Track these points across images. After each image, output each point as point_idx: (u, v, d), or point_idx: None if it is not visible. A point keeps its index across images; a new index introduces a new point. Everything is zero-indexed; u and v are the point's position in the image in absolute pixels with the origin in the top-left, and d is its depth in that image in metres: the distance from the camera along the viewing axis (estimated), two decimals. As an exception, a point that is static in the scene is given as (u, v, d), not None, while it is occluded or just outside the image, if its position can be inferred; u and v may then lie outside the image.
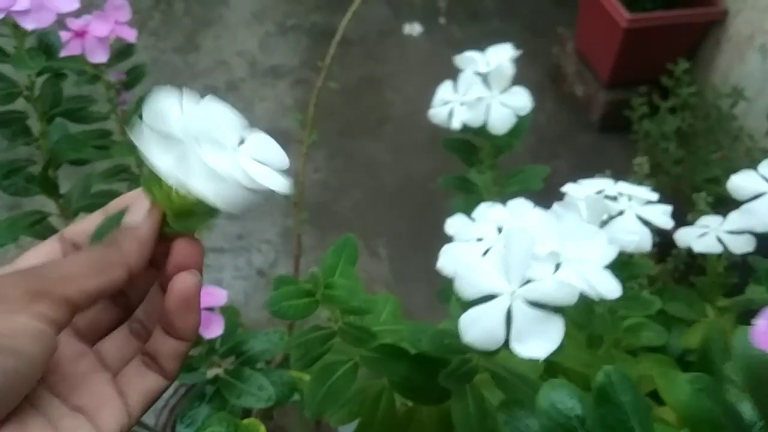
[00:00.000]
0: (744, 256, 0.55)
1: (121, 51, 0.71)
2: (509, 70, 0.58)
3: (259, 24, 2.18)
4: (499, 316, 0.32)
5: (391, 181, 1.72)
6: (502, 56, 0.59)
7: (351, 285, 0.43)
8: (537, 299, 0.32)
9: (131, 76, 0.73)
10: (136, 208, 0.29)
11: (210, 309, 0.53)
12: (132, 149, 0.72)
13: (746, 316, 0.61)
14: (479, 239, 0.39)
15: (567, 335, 0.57)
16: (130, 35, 0.69)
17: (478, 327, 0.33)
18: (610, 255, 0.37)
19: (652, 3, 1.59)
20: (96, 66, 0.69)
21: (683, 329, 0.70)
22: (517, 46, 0.63)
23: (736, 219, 0.51)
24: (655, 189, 0.51)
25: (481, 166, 0.66)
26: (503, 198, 0.67)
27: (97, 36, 0.65)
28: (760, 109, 1.44)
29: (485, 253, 0.36)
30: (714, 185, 1.16)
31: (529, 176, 0.66)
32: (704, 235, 0.54)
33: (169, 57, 2.03)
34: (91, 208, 0.70)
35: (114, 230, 0.28)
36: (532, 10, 2.20)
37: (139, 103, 0.74)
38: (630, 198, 0.46)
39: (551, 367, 0.60)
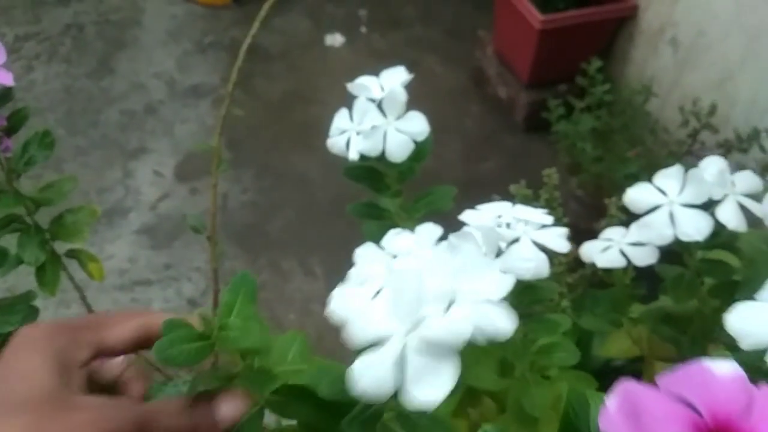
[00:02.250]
0: (651, 266, 0.55)
1: (0, 96, 0.66)
2: (402, 95, 0.56)
3: (175, 43, 2.12)
4: (389, 363, 0.30)
5: (322, 197, 1.70)
6: (394, 81, 0.58)
7: (247, 325, 0.41)
8: (428, 342, 0.30)
9: (13, 122, 0.68)
10: (235, 407, 0.34)
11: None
12: (20, 200, 0.68)
13: (662, 325, 0.61)
14: (367, 281, 0.37)
15: (481, 360, 0.56)
16: (7, 79, 0.65)
17: (369, 375, 0.31)
18: (506, 287, 0.35)
19: (564, 2, 1.62)
20: (-30, 114, 0.64)
21: (604, 338, 0.70)
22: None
23: (636, 232, 0.51)
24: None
25: (390, 192, 0.64)
26: (414, 221, 0.65)
27: (-35, 83, 0.61)
28: (675, 102, 1.48)
29: (375, 295, 0.35)
30: (633, 181, 1.17)
31: (438, 198, 0.65)
32: (607, 249, 0.54)
33: (82, 83, 1.95)
34: (-22, 267, 0.65)
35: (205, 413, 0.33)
36: (453, 15, 2.21)
37: (25, 148, 0.69)
38: (526, 223, 0.45)
39: (469, 393, 0.59)
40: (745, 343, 0.31)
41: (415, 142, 0.57)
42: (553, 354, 0.53)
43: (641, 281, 0.61)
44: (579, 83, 1.43)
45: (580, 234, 0.64)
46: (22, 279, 0.73)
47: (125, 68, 2.02)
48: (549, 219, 0.45)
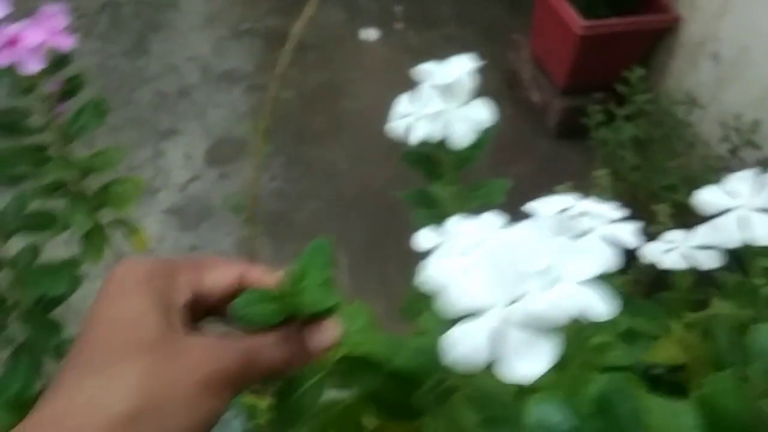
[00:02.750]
0: (710, 272, 0.54)
1: (58, 60, 0.67)
2: (469, 82, 0.56)
3: (211, 28, 2.13)
4: (484, 336, 0.30)
5: (349, 189, 1.69)
6: (461, 68, 0.57)
7: (321, 289, 0.41)
8: (528, 318, 0.30)
9: (69, 86, 0.68)
10: (327, 334, 0.34)
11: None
12: (70, 165, 0.68)
13: (711, 332, 0.60)
14: (463, 254, 0.36)
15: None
16: (67, 44, 0.65)
17: (462, 347, 0.30)
18: (602, 267, 0.35)
19: (607, 10, 1.61)
20: (29, 76, 0.64)
21: (646, 344, 0.69)
22: (473, 52, 0.61)
23: (703, 234, 0.50)
24: (612, 197, 0.50)
25: (444, 180, 0.64)
26: (466, 212, 0.65)
27: (29, 45, 0.61)
28: (714, 116, 1.46)
29: (469, 269, 0.34)
30: (671, 192, 1.16)
31: (492, 190, 0.64)
32: (670, 251, 0.53)
33: (117, 62, 1.96)
34: (26, 229, 0.66)
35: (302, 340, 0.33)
36: (488, 17, 2.20)
37: (78, 114, 0.70)
38: (595, 216, 0.44)
39: (521, 390, 0.59)
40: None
41: (478, 130, 0.56)
42: (607, 353, 0.52)
43: (699, 287, 0.60)
44: (618, 91, 1.42)
45: (627, 253, 0.63)
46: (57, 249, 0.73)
47: (160, 49, 2.03)
48: (619, 213, 0.45)
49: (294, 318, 0.34)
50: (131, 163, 1.69)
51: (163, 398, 0.27)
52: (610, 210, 0.45)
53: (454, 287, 0.30)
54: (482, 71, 0.58)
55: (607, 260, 0.43)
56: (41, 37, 0.62)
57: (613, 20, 1.60)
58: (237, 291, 0.33)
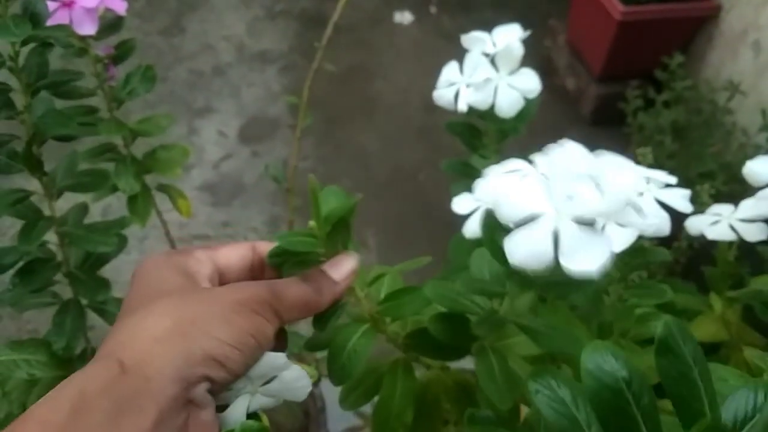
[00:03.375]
0: (753, 245, 0.54)
1: (111, 24, 0.68)
2: (518, 50, 0.56)
3: (246, 8, 2.14)
4: (546, 234, 0.30)
5: (380, 170, 1.70)
6: (510, 36, 0.57)
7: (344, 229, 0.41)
8: (584, 214, 0.30)
9: (120, 51, 0.69)
10: (343, 267, 0.36)
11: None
12: (120, 127, 0.69)
13: (750, 309, 0.60)
14: (515, 171, 0.37)
15: (575, 325, 0.56)
16: (121, 7, 0.66)
17: (525, 247, 0.31)
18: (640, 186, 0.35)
19: (647, -4, 1.59)
20: (83, 38, 0.65)
21: (687, 320, 0.69)
22: None
23: (749, 206, 0.50)
24: None
25: (485, 151, 0.64)
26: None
27: (85, 6, 0.62)
28: (753, 105, 1.44)
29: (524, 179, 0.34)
30: (708, 179, 1.15)
31: (533, 162, 0.64)
32: (716, 223, 0.53)
33: (153, 39, 1.98)
34: (76, 188, 0.67)
35: (320, 275, 0.35)
36: (524, 2, 2.18)
37: (128, 79, 0.71)
38: (648, 180, 0.45)
39: (558, 356, 0.59)
40: None
41: (525, 100, 0.57)
42: (650, 323, 0.52)
43: (744, 261, 0.60)
44: (655, 78, 1.40)
45: None
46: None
47: (196, 28, 2.05)
48: (673, 179, 0.45)
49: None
50: (166, 139, 1.71)
51: (196, 318, 0.29)
52: (663, 175, 0.45)
53: (509, 195, 0.31)
54: None
55: (658, 222, 0.43)
56: (97, -1, 0.63)
57: (653, 6, 1.58)
58: (254, 264, 0.37)
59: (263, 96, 1.86)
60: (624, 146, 1.40)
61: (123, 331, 0.29)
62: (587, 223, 0.30)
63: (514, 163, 0.36)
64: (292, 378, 0.33)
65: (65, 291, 0.70)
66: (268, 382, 0.33)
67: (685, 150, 1.21)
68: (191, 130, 1.75)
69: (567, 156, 0.33)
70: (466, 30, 0.60)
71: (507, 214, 0.31)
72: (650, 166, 1.11)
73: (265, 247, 0.37)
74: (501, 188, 0.32)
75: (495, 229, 0.34)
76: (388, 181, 1.67)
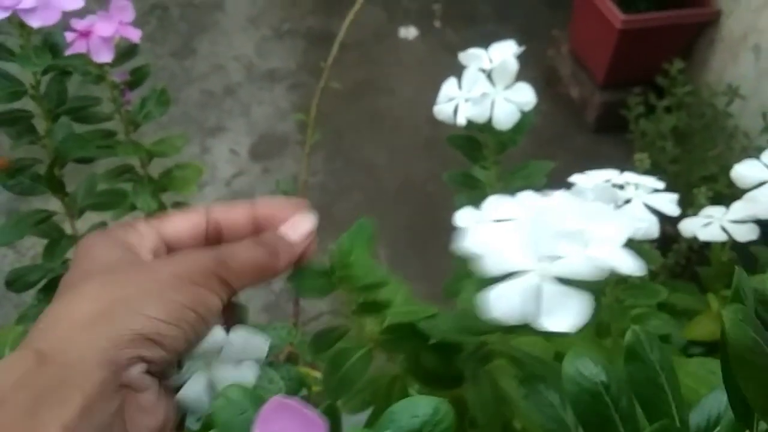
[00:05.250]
0: (747, 246, 0.56)
1: (126, 51, 0.71)
2: (513, 66, 0.58)
3: (255, 28, 2.19)
4: (527, 292, 0.32)
5: (389, 183, 1.73)
6: (505, 52, 0.60)
7: (369, 264, 0.44)
8: (565, 275, 0.32)
9: (135, 77, 0.73)
10: (299, 227, 0.34)
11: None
12: (137, 149, 0.73)
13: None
14: (503, 220, 0.39)
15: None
16: (135, 36, 0.70)
17: (501, 305, 0.32)
18: (628, 233, 0.37)
19: (646, 4, 1.61)
20: (100, 66, 0.69)
21: (684, 323, 0.70)
22: None
23: (740, 208, 0.52)
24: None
25: (485, 162, 0.67)
26: (507, 193, 0.68)
27: (101, 36, 0.66)
28: (755, 109, 1.45)
29: (506, 233, 0.36)
30: (710, 183, 1.17)
31: (533, 172, 0.67)
32: (708, 225, 0.55)
33: (165, 62, 2.03)
34: (96, 207, 0.71)
35: (275, 237, 0.33)
36: (527, 13, 2.21)
37: (144, 102, 0.74)
38: (637, 186, 0.47)
39: (558, 357, 0.61)
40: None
41: (521, 113, 0.59)
42: (647, 322, 0.54)
43: (737, 262, 0.61)
44: (658, 84, 1.42)
45: (665, 236, 0.65)
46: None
47: (207, 50, 2.09)
48: (660, 184, 0.47)
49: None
50: (179, 159, 1.75)
51: (125, 297, 0.27)
52: (651, 181, 0.48)
53: (493, 249, 0.33)
54: (521, 68, 0.60)
55: (647, 226, 0.46)
56: (112, 29, 0.66)
57: (653, 14, 1.60)
58: (210, 232, 0.33)
59: (273, 114, 1.90)
60: (628, 152, 1.42)
61: (45, 318, 0.27)
62: (567, 282, 0.31)
63: (506, 207, 0.38)
64: (242, 341, 0.31)
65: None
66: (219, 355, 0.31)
67: (688, 154, 1.23)
68: (204, 149, 1.79)
69: (555, 207, 0.35)
70: (471, 43, 0.63)
71: (490, 267, 0.32)
72: (649, 170, 1.14)
73: (221, 211, 0.34)
74: (486, 240, 0.33)
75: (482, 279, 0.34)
76: (397, 193, 1.70)
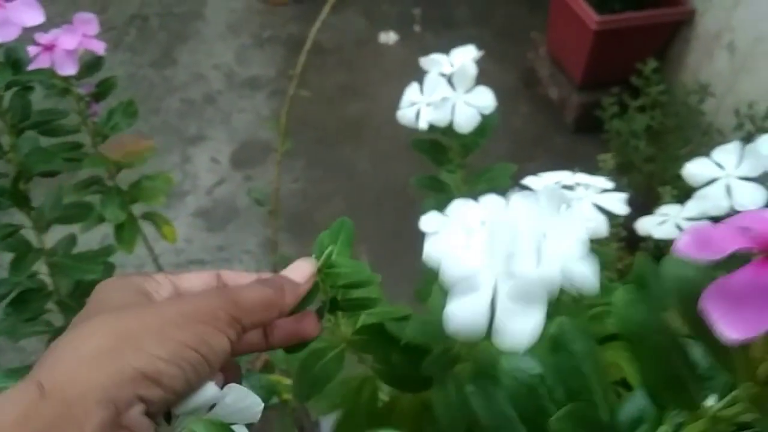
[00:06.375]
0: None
1: (91, 64, 0.72)
2: (472, 70, 0.59)
3: (235, 36, 2.19)
4: (482, 307, 0.32)
5: (370, 188, 1.73)
6: (465, 57, 0.61)
7: (353, 263, 0.44)
8: (520, 287, 0.32)
9: (101, 88, 0.73)
10: (302, 269, 0.36)
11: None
12: (104, 161, 0.73)
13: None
14: (463, 230, 0.39)
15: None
16: (99, 48, 0.70)
17: (460, 318, 0.33)
18: (584, 239, 0.37)
19: (621, 4, 1.62)
20: (65, 79, 0.69)
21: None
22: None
23: (693, 205, 0.53)
24: (627, 186, 0.53)
25: (451, 166, 0.67)
26: (473, 196, 0.68)
27: (65, 49, 0.66)
28: (729, 106, 1.47)
29: (465, 244, 0.37)
30: (683, 181, 1.17)
31: (498, 174, 0.67)
32: (663, 223, 0.56)
33: (145, 72, 2.03)
34: (63, 221, 0.71)
35: (279, 277, 0.35)
36: (506, 17, 2.23)
37: (111, 115, 0.75)
38: (587, 187, 0.47)
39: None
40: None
41: (482, 116, 0.60)
42: (605, 320, 0.55)
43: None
44: (633, 84, 1.44)
45: (633, 235, 0.66)
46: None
47: (187, 59, 2.10)
48: (610, 184, 0.48)
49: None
50: (160, 168, 1.75)
51: (130, 334, 0.27)
52: (601, 181, 0.48)
53: (452, 261, 0.33)
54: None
55: (595, 227, 0.46)
56: (75, 41, 0.67)
57: (628, 14, 1.62)
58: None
59: (254, 121, 1.90)
60: (605, 152, 1.43)
61: (52, 351, 0.27)
62: (523, 295, 0.31)
63: (468, 211, 0.38)
64: (235, 399, 0.30)
65: (57, 319, 0.73)
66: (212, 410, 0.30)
67: (662, 153, 1.24)
68: (185, 158, 1.79)
69: (514, 216, 0.35)
70: (450, 47, 0.63)
71: (448, 277, 0.33)
72: (623, 170, 1.14)
73: (230, 275, 0.35)
74: (446, 250, 0.33)
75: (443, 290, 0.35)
76: (378, 197, 1.70)
